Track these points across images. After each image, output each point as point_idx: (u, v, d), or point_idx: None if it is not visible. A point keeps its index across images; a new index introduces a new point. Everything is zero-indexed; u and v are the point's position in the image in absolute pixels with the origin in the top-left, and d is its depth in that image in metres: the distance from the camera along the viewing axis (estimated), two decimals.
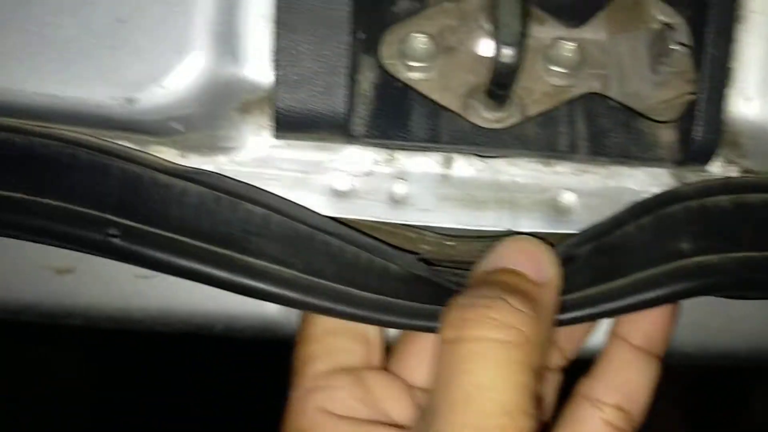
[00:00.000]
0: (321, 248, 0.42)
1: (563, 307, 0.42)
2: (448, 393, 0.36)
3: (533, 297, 0.39)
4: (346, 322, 0.43)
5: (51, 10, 0.39)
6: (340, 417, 0.43)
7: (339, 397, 0.43)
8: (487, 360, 0.36)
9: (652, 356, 0.47)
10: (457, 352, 0.37)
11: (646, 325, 0.47)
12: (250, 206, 0.43)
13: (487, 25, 0.46)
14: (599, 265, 0.43)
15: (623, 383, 0.46)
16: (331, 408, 0.43)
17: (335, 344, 0.45)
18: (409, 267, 0.44)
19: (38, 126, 0.42)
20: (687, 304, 0.48)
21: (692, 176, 0.45)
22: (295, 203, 0.44)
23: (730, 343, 0.56)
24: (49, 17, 0.39)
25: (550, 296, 0.41)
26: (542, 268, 0.41)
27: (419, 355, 0.47)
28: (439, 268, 0.47)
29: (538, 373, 0.38)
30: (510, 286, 0.39)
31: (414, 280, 0.44)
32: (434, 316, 0.41)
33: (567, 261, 0.43)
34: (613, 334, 0.48)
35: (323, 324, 0.46)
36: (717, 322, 0.56)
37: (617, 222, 0.44)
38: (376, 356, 0.47)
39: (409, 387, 0.47)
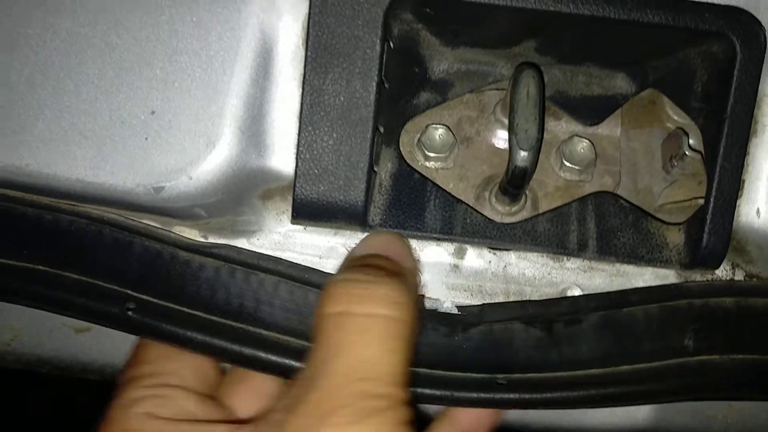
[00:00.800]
0: None
1: (568, 384, 0.43)
2: (332, 366, 0.36)
3: (407, 279, 0.40)
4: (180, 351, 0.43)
5: (87, 100, 0.41)
6: (168, 420, 0.41)
7: (167, 405, 0.42)
8: (372, 334, 0.37)
9: None
10: (341, 326, 0.37)
11: (474, 414, 0.49)
12: (262, 276, 0.44)
13: (505, 119, 0.47)
14: (605, 341, 0.44)
15: None
16: (159, 412, 0.41)
17: (167, 366, 0.44)
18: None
19: (67, 204, 0.43)
20: None
21: (698, 278, 0.46)
22: (307, 268, 0.45)
23: (727, 430, 0.57)
24: (85, 106, 0.41)
25: (415, 281, 0.42)
26: (407, 257, 0.43)
27: (245, 390, 0.47)
28: None
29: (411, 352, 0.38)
30: (387, 268, 0.40)
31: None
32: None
33: (573, 321, 0.45)
34: (444, 414, 0.49)
35: (156, 349, 0.44)
36: (715, 409, 0.56)
37: (625, 300, 0.45)
38: (209, 387, 0.46)
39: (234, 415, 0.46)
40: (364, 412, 0.34)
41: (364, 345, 0.36)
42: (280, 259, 0.45)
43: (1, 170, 0.41)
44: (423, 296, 0.46)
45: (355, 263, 0.42)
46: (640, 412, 0.56)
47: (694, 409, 0.56)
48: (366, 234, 0.45)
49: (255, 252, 0.45)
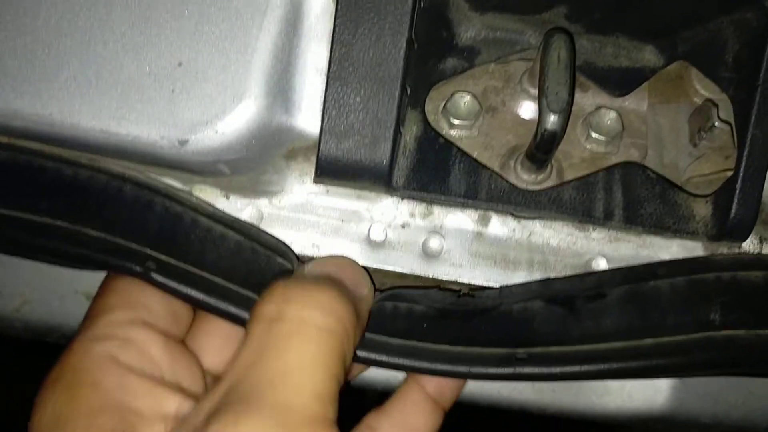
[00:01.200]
0: None
1: (590, 357, 0.42)
2: (260, 370, 0.34)
3: (354, 300, 0.39)
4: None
5: (113, 49, 0.40)
6: (129, 369, 0.39)
7: (131, 350, 0.39)
8: (303, 342, 0.35)
9: (439, 407, 0.47)
10: (275, 329, 0.35)
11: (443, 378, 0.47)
12: (281, 260, 0.43)
13: (532, 89, 0.47)
14: (629, 314, 0.43)
15: (407, 424, 0.46)
16: (122, 358, 0.39)
17: (139, 298, 0.42)
18: (437, 303, 0.44)
19: (88, 158, 0.43)
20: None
21: (725, 251, 0.45)
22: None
23: (747, 417, 0.56)
24: (112, 56, 0.40)
25: (365, 309, 0.40)
26: (360, 284, 0.41)
27: (215, 335, 0.45)
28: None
29: (345, 371, 0.37)
30: (335, 283, 0.39)
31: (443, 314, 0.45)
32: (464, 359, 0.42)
33: (597, 297, 0.44)
34: (411, 377, 0.47)
35: (128, 281, 0.42)
36: (735, 395, 0.55)
37: (651, 273, 0.44)
38: (178, 328, 0.44)
39: (200, 364, 0.44)
40: (278, 426, 0.32)
41: (291, 353, 0.35)
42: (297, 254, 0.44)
43: (23, 119, 0.41)
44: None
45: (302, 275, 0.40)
46: (660, 397, 0.55)
47: (713, 395, 0.55)
48: (388, 197, 0.44)
49: (276, 238, 0.44)
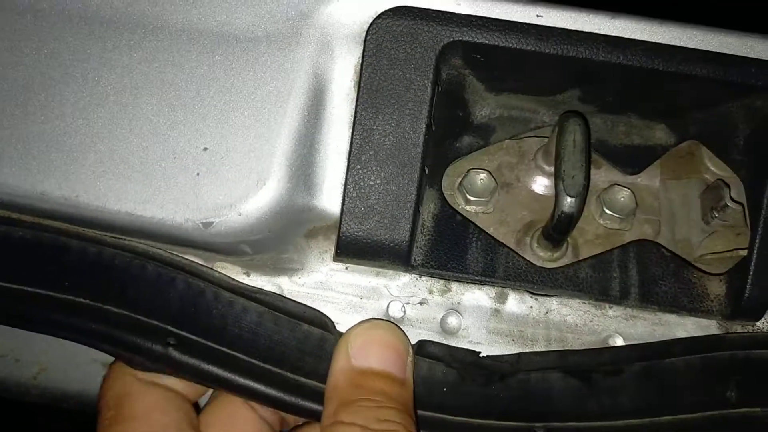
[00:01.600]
0: None
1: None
2: None
3: (402, 401, 0.41)
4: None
5: (140, 134, 0.41)
6: None
7: None
8: None
9: None
10: None
11: None
12: (307, 327, 0.44)
13: (546, 166, 0.48)
14: (646, 391, 0.43)
15: None
16: None
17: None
18: (457, 363, 0.45)
19: (113, 237, 0.44)
20: None
21: (740, 329, 0.45)
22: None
23: None
24: (138, 140, 0.41)
25: (409, 394, 0.42)
26: (404, 364, 0.42)
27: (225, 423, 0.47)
28: None
29: None
30: (385, 395, 0.41)
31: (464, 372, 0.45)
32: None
33: (614, 372, 0.44)
34: None
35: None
36: None
37: (667, 350, 0.45)
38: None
39: None
40: None
41: None
42: (326, 316, 0.45)
43: (50, 201, 0.42)
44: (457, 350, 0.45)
45: (350, 385, 0.42)
46: None
47: None
48: (407, 274, 0.45)
49: (301, 304, 0.45)
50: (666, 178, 0.50)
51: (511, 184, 0.49)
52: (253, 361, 0.43)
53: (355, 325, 0.43)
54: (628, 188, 0.48)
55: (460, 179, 0.48)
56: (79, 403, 0.56)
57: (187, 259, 0.44)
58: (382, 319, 0.45)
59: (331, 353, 0.43)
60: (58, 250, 0.43)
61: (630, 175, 0.49)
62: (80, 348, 0.54)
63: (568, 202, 0.41)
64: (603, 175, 0.49)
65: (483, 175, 0.48)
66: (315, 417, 0.42)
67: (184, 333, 0.43)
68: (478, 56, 0.43)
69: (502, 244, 0.46)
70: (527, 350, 0.45)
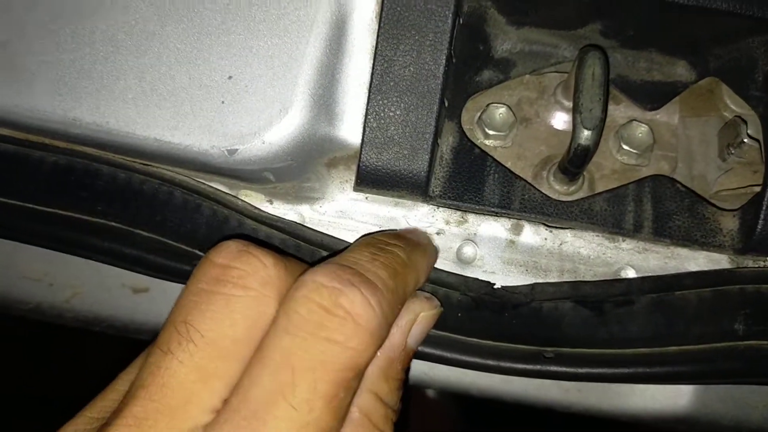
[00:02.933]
0: None
1: (615, 361, 0.44)
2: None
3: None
4: None
5: (167, 62, 0.42)
6: None
7: None
8: None
9: None
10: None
11: None
12: (324, 254, 0.46)
13: (566, 101, 0.48)
14: (656, 321, 0.44)
15: None
16: None
17: None
18: (471, 292, 0.46)
19: (141, 164, 0.45)
20: None
21: (751, 264, 0.46)
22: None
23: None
24: (165, 68, 0.42)
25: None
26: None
27: None
28: None
29: None
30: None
31: (477, 302, 0.46)
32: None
33: (625, 303, 0.45)
34: None
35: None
36: (756, 399, 0.57)
37: (678, 282, 0.46)
38: None
39: None
40: None
41: None
42: (342, 241, 0.46)
43: (81, 127, 0.43)
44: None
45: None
46: (682, 399, 0.57)
47: (734, 398, 0.57)
48: (425, 205, 0.46)
49: (319, 232, 0.46)
50: (685, 115, 0.50)
51: (530, 119, 0.50)
52: None
53: (417, 301, 0.40)
54: (647, 124, 0.48)
55: (479, 113, 0.48)
56: (110, 327, 0.58)
57: (212, 187, 0.46)
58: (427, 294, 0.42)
59: None
60: (90, 175, 0.45)
61: (649, 111, 0.49)
62: (111, 273, 0.57)
63: (585, 134, 0.42)
64: (622, 110, 0.49)
65: (502, 110, 0.48)
66: None
67: None
68: None
69: (520, 177, 0.47)
70: (540, 281, 0.47)
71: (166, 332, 0.34)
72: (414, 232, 0.46)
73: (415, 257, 0.40)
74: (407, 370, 0.39)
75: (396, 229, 0.46)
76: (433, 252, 0.44)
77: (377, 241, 0.39)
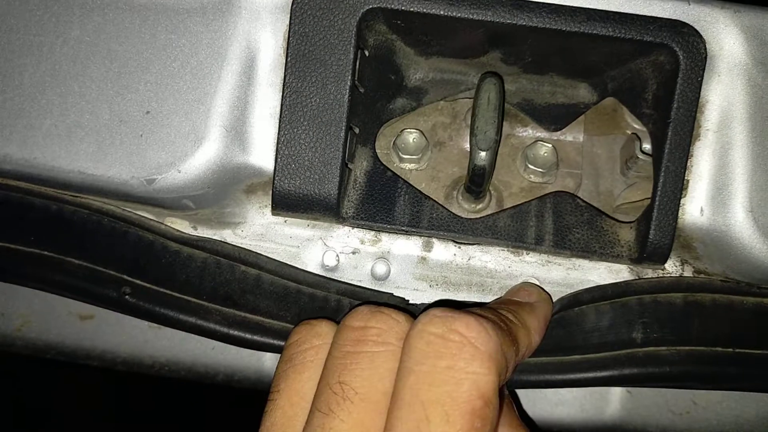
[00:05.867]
0: (307, 300, 0.48)
1: (521, 369, 0.46)
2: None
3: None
4: None
5: (89, 99, 0.45)
6: None
7: None
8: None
9: None
10: None
11: None
12: (245, 268, 0.48)
13: None
14: (557, 335, 0.47)
15: None
16: None
17: None
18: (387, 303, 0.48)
19: (71, 195, 0.48)
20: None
21: (650, 273, 0.49)
22: (283, 263, 0.49)
23: (690, 426, 0.59)
24: (88, 105, 0.45)
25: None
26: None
27: None
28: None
29: None
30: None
31: None
32: None
33: None
34: None
35: None
36: (680, 405, 0.59)
37: (577, 300, 0.48)
38: None
39: None
40: None
41: None
42: (260, 254, 0.49)
43: (12, 163, 0.46)
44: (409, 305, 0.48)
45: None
46: (609, 407, 0.59)
47: (660, 405, 0.59)
48: (340, 226, 0.49)
49: (238, 247, 0.49)
50: (591, 133, 0.53)
51: (444, 143, 0.53)
52: (199, 301, 0.47)
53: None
54: (551, 144, 0.51)
55: (394, 139, 0.51)
56: (60, 353, 0.61)
57: (137, 215, 0.49)
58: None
59: (267, 288, 0.47)
60: (24, 208, 0.48)
61: (555, 131, 0.52)
62: (59, 301, 0.60)
63: (481, 155, 0.45)
64: (529, 131, 0.53)
65: (415, 135, 0.51)
66: (255, 347, 0.46)
67: (137, 281, 0.48)
68: (398, 21, 0.46)
69: (430, 198, 0.50)
70: (451, 295, 0.49)
71: (323, 395, 0.36)
72: (522, 293, 0.46)
73: (524, 317, 0.42)
74: None
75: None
76: (542, 308, 0.45)
77: (486, 309, 0.41)
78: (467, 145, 0.52)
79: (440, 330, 0.35)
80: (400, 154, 0.51)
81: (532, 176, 0.51)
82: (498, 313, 0.41)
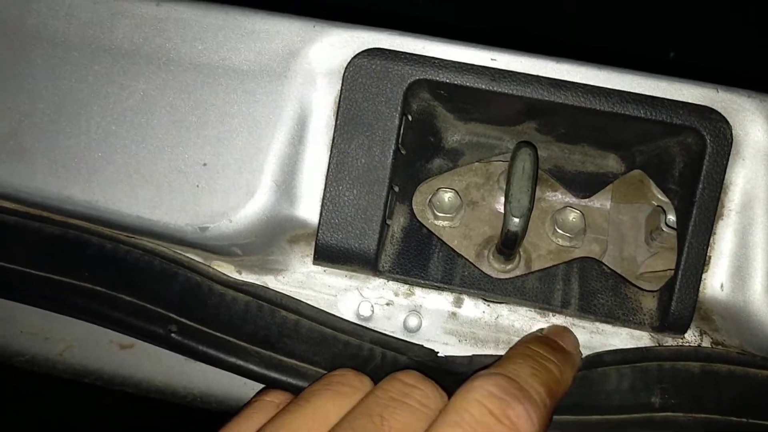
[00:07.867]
0: (342, 347, 0.50)
1: None
2: None
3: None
4: None
5: (151, 150, 0.49)
6: None
7: None
8: None
9: None
10: None
11: None
12: (285, 313, 0.51)
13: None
14: (579, 393, 0.49)
15: None
16: None
17: None
18: (417, 357, 0.51)
19: (125, 235, 0.51)
20: None
21: (669, 341, 0.51)
22: (321, 310, 0.52)
23: None
24: (149, 155, 0.49)
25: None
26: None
27: None
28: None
29: None
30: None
31: (422, 369, 0.51)
32: None
33: None
34: None
35: None
36: None
37: (600, 360, 0.50)
38: None
39: None
40: None
41: None
42: (300, 300, 0.52)
43: (74, 204, 0.49)
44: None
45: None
46: None
47: None
48: (376, 278, 0.52)
49: (279, 292, 0.52)
50: (617, 201, 0.55)
51: (476, 203, 0.56)
52: (240, 343, 0.50)
53: None
54: (579, 210, 0.54)
55: (430, 196, 0.54)
56: (99, 379, 0.64)
57: (187, 257, 0.52)
58: None
59: (304, 334, 0.50)
60: (81, 245, 0.51)
61: (583, 198, 0.55)
62: (101, 329, 0.62)
63: (514, 222, 0.47)
64: (558, 197, 0.55)
65: (450, 194, 0.54)
66: (291, 390, 0.49)
67: (183, 320, 0.51)
68: (442, 92, 0.49)
69: (462, 256, 0.52)
70: (478, 351, 0.52)
71: (358, 420, 0.41)
72: (563, 335, 0.50)
73: (567, 374, 0.46)
74: None
75: (543, 330, 0.51)
76: (578, 360, 0.49)
77: (535, 353, 0.45)
78: (499, 206, 0.55)
79: (496, 411, 0.39)
80: (435, 211, 0.54)
81: (560, 240, 0.54)
82: (548, 370, 0.44)
